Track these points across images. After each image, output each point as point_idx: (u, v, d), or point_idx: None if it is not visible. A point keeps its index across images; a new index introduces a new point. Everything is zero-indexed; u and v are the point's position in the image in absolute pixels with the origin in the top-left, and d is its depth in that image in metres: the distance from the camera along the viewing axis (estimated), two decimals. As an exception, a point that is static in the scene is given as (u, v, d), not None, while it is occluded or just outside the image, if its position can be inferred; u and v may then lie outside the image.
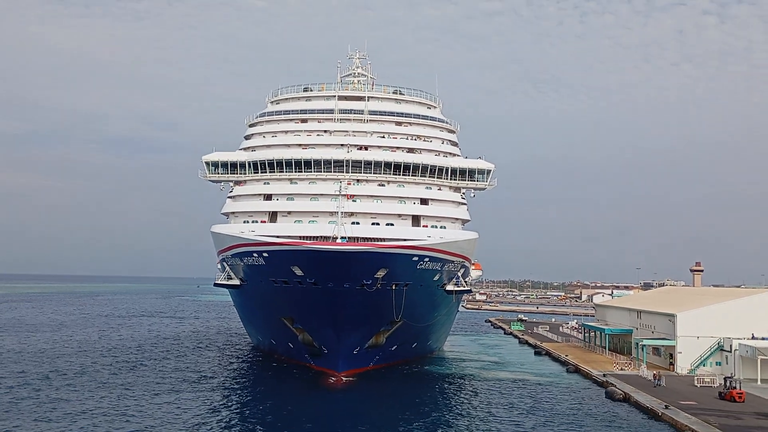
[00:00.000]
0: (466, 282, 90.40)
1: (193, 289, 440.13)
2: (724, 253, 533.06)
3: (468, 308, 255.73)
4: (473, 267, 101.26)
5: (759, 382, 72.97)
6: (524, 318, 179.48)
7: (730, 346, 78.04)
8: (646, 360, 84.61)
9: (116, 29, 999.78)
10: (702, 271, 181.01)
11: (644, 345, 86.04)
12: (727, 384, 64.99)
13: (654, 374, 72.45)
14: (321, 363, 76.81)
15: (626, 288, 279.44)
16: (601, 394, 70.25)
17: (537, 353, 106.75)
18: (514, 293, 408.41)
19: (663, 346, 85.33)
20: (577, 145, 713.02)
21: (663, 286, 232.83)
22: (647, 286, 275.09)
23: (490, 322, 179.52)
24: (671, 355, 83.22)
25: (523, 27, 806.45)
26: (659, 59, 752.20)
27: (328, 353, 75.09)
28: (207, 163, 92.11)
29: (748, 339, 77.31)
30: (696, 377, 73.40)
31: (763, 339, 77.56)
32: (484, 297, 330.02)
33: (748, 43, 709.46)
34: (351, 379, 73.48)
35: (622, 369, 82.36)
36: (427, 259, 73.99)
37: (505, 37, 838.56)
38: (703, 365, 79.98)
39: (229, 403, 61.47)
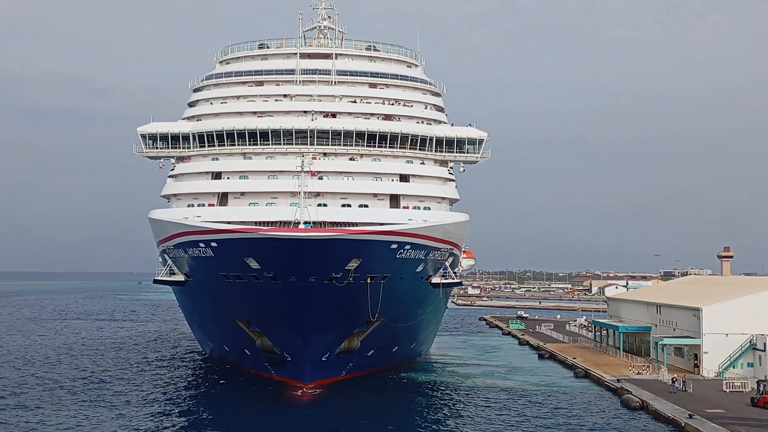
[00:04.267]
0: (455, 273, 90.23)
1: (134, 286, 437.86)
2: (757, 237, 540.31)
3: (459, 304, 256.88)
4: (464, 255, 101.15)
5: (798, 386, 73.59)
6: (525, 315, 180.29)
7: (765, 344, 78.67)
8: (667, 362, 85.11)
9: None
10: (731, 257, 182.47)
11: (665, 345, 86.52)
12: (761, 388, 65.54)
13: (672, 378, 72.94)
14: (283, 373, 76.34)
15: (643, 278, 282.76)
16: (615, 402, 70.69)
17: (540, 356, 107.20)
18: (512, 286, 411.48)
19: (686, 345, 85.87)
20: (587, 113, 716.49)
21: (686, 275, 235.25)
22: (668, 276, 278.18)
23: (484, 320, 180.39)
24: (696, 356, 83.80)
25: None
26: (682, 9, 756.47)
27: (291, 361, 74.64)
28: (143, 136, 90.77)
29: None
30: (725, 381, 73.99)
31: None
32: (477, 291, 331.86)
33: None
34: (319, 391, 73.10)
35: (638, 373, 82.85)
36: (408, 247, 73.56)
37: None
38: (733, 367, 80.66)
39: (172, 424, 60.71)
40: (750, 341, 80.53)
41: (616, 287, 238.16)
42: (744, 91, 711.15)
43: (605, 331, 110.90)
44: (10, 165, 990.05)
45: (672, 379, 72.93)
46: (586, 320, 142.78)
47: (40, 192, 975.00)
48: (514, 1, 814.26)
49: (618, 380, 78.03)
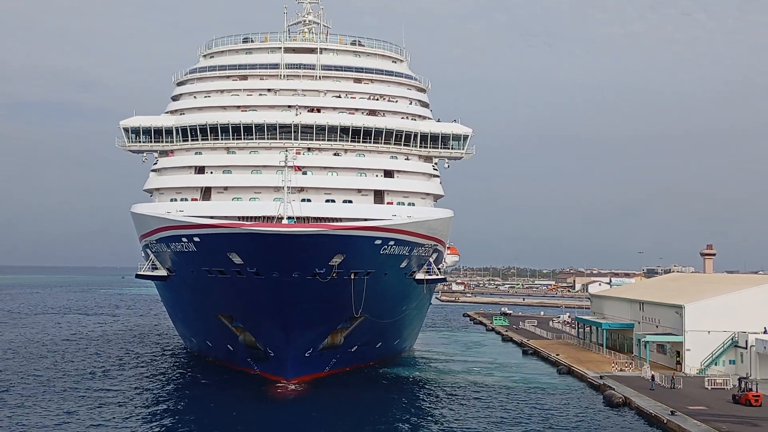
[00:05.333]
0: (439, 269, 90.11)
1: (117, 281, 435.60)
2: (740, 236, 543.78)
3: (443, 300, 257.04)
4: (448, 252, 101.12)
5: (779, 383, 74.00)
6: (508, 311, 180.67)
7: (746, 341, 79.00)
8: (650, 359, 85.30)
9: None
10: (714, 255, 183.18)
11: (647, 342, 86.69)
12: (742, 386, 65.71)
13: (652, 375, 73.23)
14: (266, 368, 76.02)
15: (627, 276, 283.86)
16: (598, 398, 70.81)
17: (524, 353, 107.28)
18: (496, 282, 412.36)
19: (669, 342, 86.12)
20: (575, 110, 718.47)
21: (669, 272, 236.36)
22: (651, 273, 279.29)
23: (468, 316, 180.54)
24: (678, 353, 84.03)
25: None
26: (669, 7, 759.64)
27: (274, 357, 74.29)
28: (126, 130, 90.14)
29: (763, 333, 78.29)
30: (707, 378, 74.19)
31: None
32: (461, 287, 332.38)
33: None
34: (302, 387, 72.83)
35: (621, 370, 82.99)
36: (392, 242, 73.32)
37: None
38: (715, 364, 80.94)
39: (154, 420, 60.22)
40: (732, 338, 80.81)
41: (600, 284, 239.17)
42: (731, 90, 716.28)
43: (588, 328, 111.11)
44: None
45: (651, 376, 73.19)
46: (569, 317, 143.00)
47: (26, 186, 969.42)
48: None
49: (601, 377, 78.15)
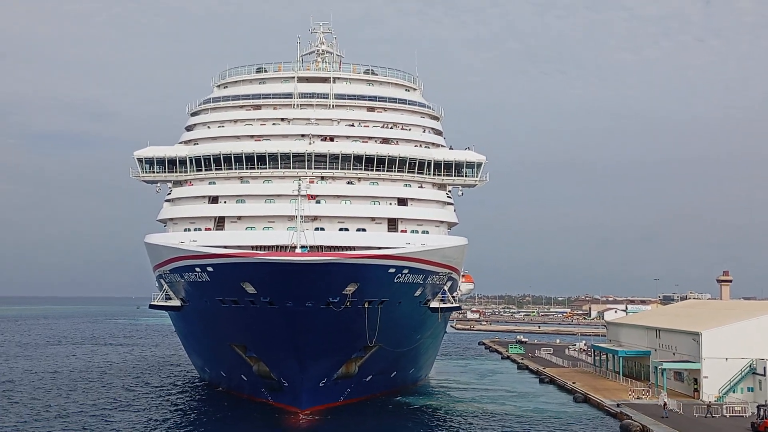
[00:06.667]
0: (454, 297, 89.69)
1: (132, 311, 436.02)
2: (756, 262, 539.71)
3: (458, 329, 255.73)
4: (463, 279, 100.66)
5: (799, 411, 72.87)
6: (524, 339, 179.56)
7: (764, 368, 78.06)
8: (667, 386, 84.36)
9: (36, 2, 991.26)
10: (731, 281, 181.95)
11: (664, 369, 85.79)
12: (761, 413, 65.06)
13: (664, 403, 72.57)
14: (281, 399, 75.59)
15: (642, 302, 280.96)
16: (614, 427, 70.11)
17: (540, 381, 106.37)
18: (511, 310, 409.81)
19: (686, 370, 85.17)
20: (588, 136, 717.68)
21: (685, 299, 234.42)
22: (667, 300, 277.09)
23: (483, 344, 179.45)
24: (696, 381, 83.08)
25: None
26: (682, 33, 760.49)
27: (288, 387, 73.93)
28: (140, 160, 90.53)
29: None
30: (725, 405, 73.29)
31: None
32: (476, 315, 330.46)
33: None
34: (317, 417, 72.37)
35: (638, 398, 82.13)
36: (406, 271, 73.06)
37: (503, 8, 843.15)
38: (733, 391, 79.98)
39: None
40: (750, 366, 79.89)
41: (615, 311, 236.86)
42: (745, 115, 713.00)
43: (605, 356, 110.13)
44: (15, 189, 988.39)
45: (664, 403, 72.45)
46: (585, 344, 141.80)
47: (40, 217, 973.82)
48: (515, 25, 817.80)
49: (618, 405, 77.33)
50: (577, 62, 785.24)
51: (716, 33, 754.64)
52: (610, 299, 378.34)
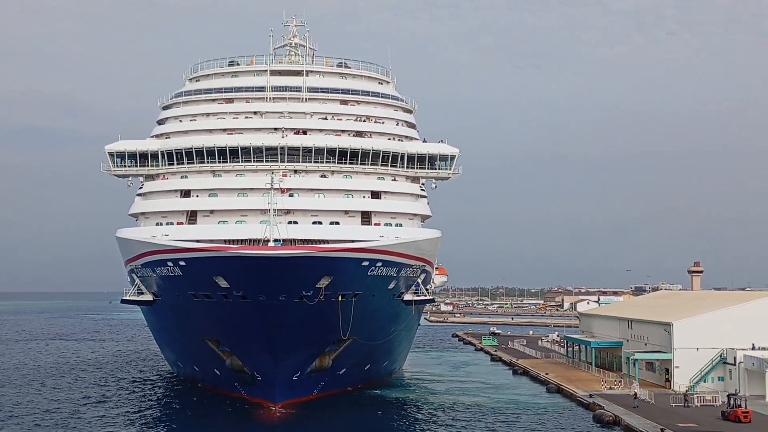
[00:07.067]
0: (427, 290, 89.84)
1: (105, 306, 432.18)
2: (727, 253, 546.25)
3: (431, 321, 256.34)
4: (436, 272, 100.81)
5: (767, 399, 73.96)
6: (497, 331, 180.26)
7: (734, 358, 78.99)
8: (639, 377, 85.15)
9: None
10: (701, 272, 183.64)
11: (636, 359, 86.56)
12: (731, 402, 65.65)
13: (634, 393, 73.38)
14: (254, 392, 75.37)
15: (615, 294, 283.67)
16: (587, 417, 70.54)
17: (514, 372, 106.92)
18: (485, 302, 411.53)
19: (658, 360, 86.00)
20: (563, 130, 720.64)
21: (657, 290, 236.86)
22: (639, 291, 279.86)
23: (457, 336, 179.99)
24: (667, 371, 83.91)
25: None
26: (655, 27, 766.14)
27: (262, 381, 73.71)
28: (111, 154, 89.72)
29: (751, 349, 78.32)
30: (696, 395, 74.07)
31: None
32: (450, 307, 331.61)
33: (757, 8, 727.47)
34: (290, 410, 72.17)
35: (611, 388, 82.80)
36: (379, 264, 73.06)
37: (477, 3, 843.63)
38: (704, 381, 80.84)
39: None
40: (720, 355, 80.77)
41: (588, 303, 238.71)
42: (718, 109, 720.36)
43: (577, 347, 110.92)
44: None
45: (634, 393, 73.17)
46: (558, 336, 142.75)
47: (10, 212, 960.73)
48: (490, 20, 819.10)
49: (590, 395, 77.92)
50: (551, 57, 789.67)
51: (688, 27, 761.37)
52: (582, 291, 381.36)
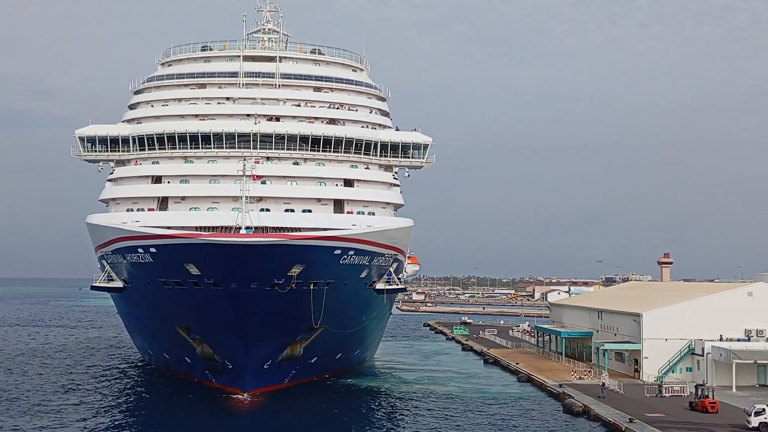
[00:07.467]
0: (399, 279, 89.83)
1: (74, 292, 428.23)
2: (696, 244, 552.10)
3: (403, 310, 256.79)
4: (409, 261, 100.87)
5: (734, 390, 74.93)
6: (469, 321, 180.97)
7: (702, 349, 79.86)
8: (608, 367, 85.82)
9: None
10: (671, 263, 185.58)
11: (606, 350, 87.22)
12: (699, 393, 66.40)
13: (602, 383, 73.99)
14: (225, 381, 75.02)
15: (585, 284, 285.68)
16: (557, 407, 70.99)
17: (485, 362, 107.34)
18: (456, 292, 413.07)
19: (627, 350, 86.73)
20: (535, 119, 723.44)
21: (627, 281, 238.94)
22: (609, 282, 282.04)
23: (429, 325, 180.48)
24: (636, 361, 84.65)
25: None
26: (626, 19, 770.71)
27: (232, 369, 73.34)
28: (81, 139, 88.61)
29: (719, 341, 79.23)
30: (664, 385, 74.77)
31: (738, 340, 79.68)
32: (422, 297, 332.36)
33: (728, 0, 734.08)
34: (261, 399, 71.94)
35: (580, 378, 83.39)
36: (351, 252, 72.85)
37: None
38: (672, 371, 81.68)
39: (109, 433, 58.95)
40: (689, 346, 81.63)
41: (559, 293, 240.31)
42: (687, 100, 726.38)
43: (548, 337, 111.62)
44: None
45: (602, 383, 73.81)
46: (529, 326, 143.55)
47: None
48: (462, 8, 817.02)
49: (560, 385, 78.41)
50: (523, 46, 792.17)
51: (659, 19, 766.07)
52: (553, 281, 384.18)
